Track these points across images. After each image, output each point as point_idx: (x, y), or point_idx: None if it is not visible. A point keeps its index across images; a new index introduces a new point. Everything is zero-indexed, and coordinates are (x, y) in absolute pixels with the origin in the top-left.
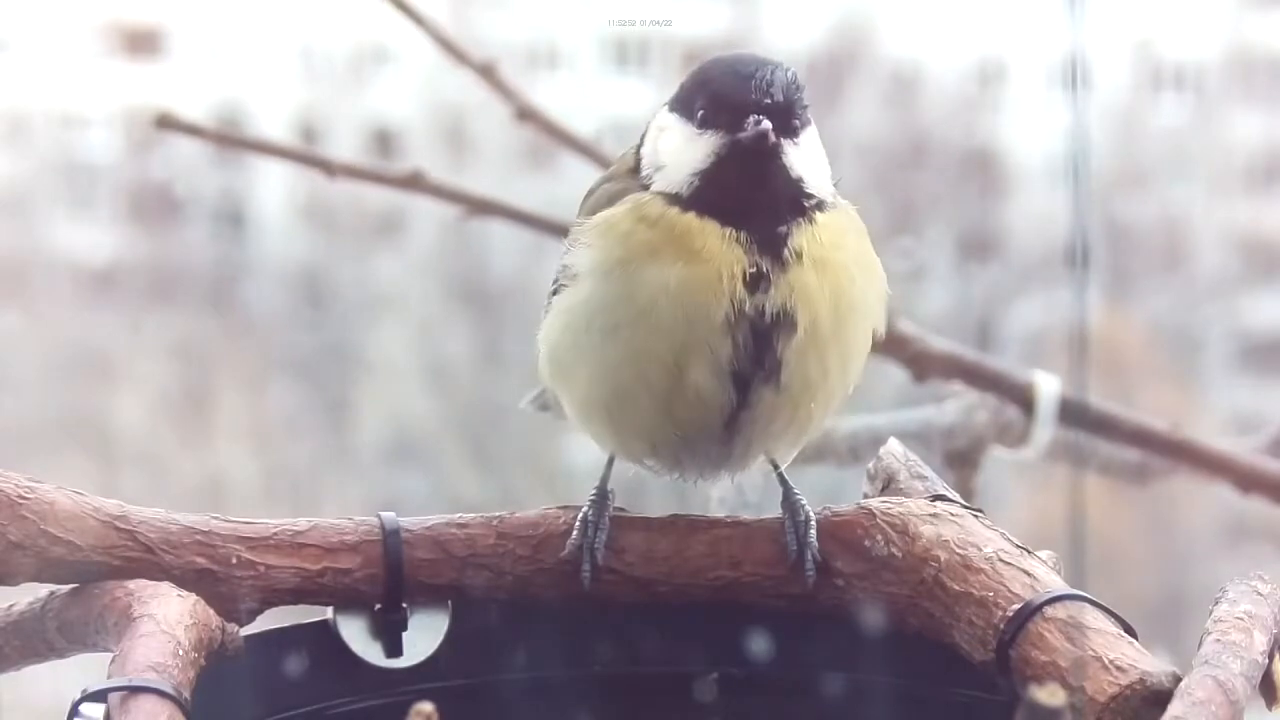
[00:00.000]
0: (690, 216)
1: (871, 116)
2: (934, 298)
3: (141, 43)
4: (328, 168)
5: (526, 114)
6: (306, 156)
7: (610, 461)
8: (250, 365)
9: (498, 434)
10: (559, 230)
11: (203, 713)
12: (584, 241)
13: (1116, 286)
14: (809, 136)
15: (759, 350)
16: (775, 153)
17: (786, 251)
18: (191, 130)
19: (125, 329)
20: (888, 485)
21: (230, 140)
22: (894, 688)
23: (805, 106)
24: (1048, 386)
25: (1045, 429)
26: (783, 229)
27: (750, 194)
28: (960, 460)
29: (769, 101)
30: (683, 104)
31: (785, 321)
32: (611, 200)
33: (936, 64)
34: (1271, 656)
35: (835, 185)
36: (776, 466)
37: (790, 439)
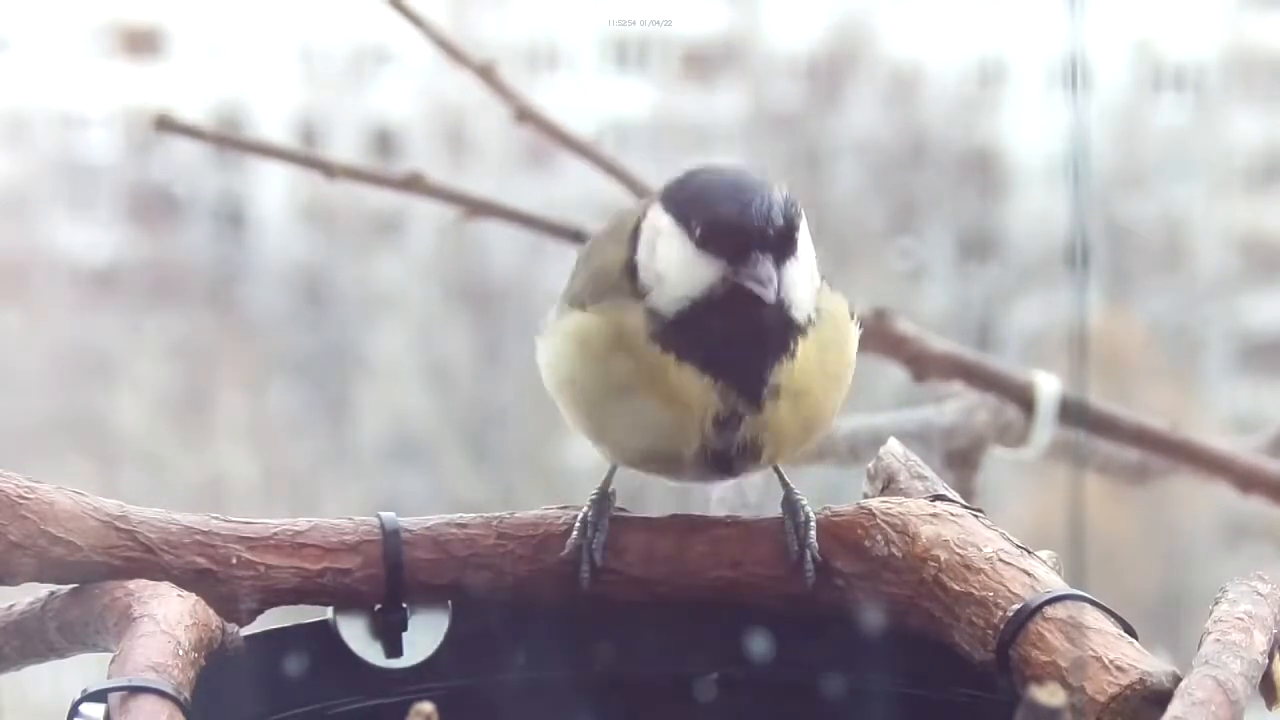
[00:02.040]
0: (670, 359)
1: (871, 116)
2: (934, 298)
3: (141, 43)
4: (328, 169)
5: (526, 114)
6: (306, 157)
7: (614, 465)
8: (250, 365)
9: (498, 434)
10: (559, 231)
11: (203, 713)
12: (554, 341)
13: (1116, 286)
14: (803, 243)
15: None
16: (776, 304)
17: (764, 393)
18: (191, 131)
19: (125, 329)
20: (888, 485)
21: (230, 141)
22: (894, 688)
23: (800, 213)
24: (1048, 386)
25: (1045, 429)
26: (765, 373)
27: (741, 335)
28: (960, 460)
29: (771, 232)
30: (678, 211)
31: (750, 449)
32: (599, 293)
33: (936, 64)
34: (1271, 656)
35: (824, 277)
36: (777, 468)
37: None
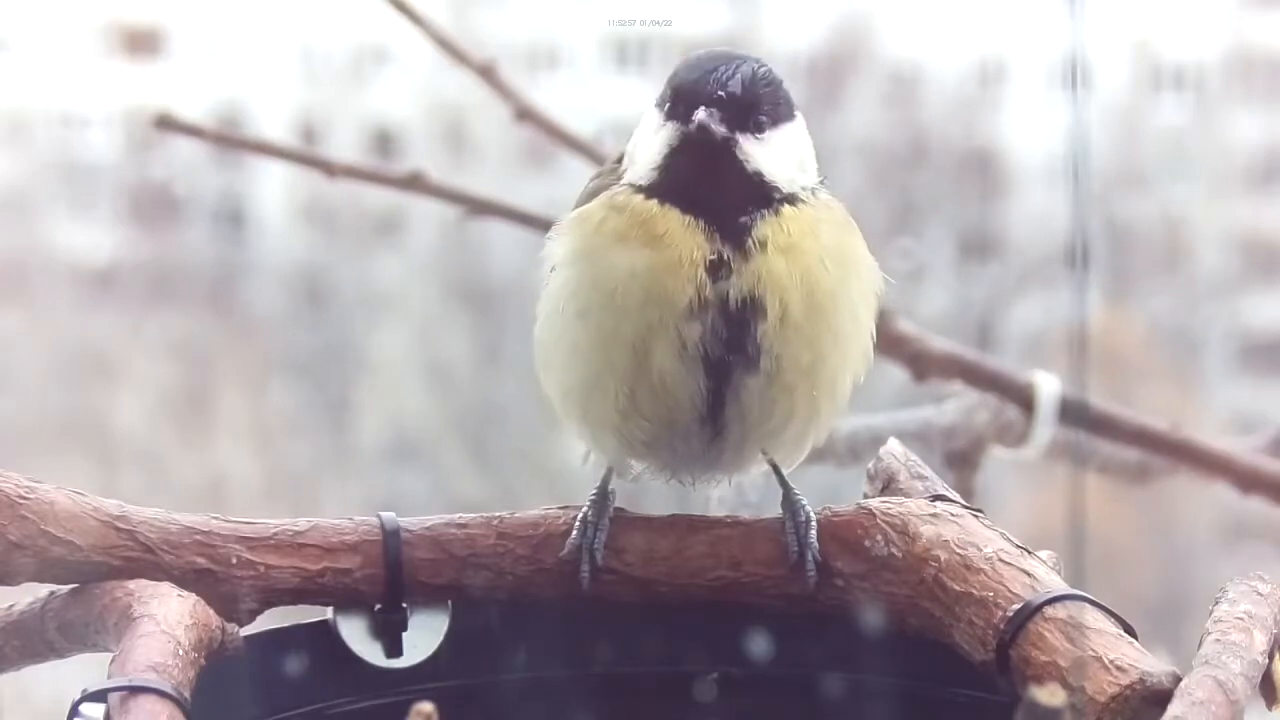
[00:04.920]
0: (653, 204)
1: (871, 116)
2: (934, 298)
3: (141, 43)
4: (328, 168)
5: (526, 114)
6: (306, 156)
7: None
8: (250, 365)
9: (498, 434)
10: None
11: (203, 713)
12: (561, 233)
13: (1116, 286)
14: (784, 132)
15: (735, 336)
16: (725, 146)
17: (749, 240)
18: (191, 130)
19: (125, 329)
20: (888, 485)
21: (230, 140)
22: (894, 688)
23: (779, 102)
24: (1048, 386)
25: (1045, 429)
26: (745, 219)
27: (703, 184)
28: (960, 460)
29: (722, 94)
30: (659, 98)
31: (755, 307)
32: (593, 196)
33: (936, 64)
34: (1271, 656)
35: (823, 181)
36: (776, 468)
37: (794, 434)
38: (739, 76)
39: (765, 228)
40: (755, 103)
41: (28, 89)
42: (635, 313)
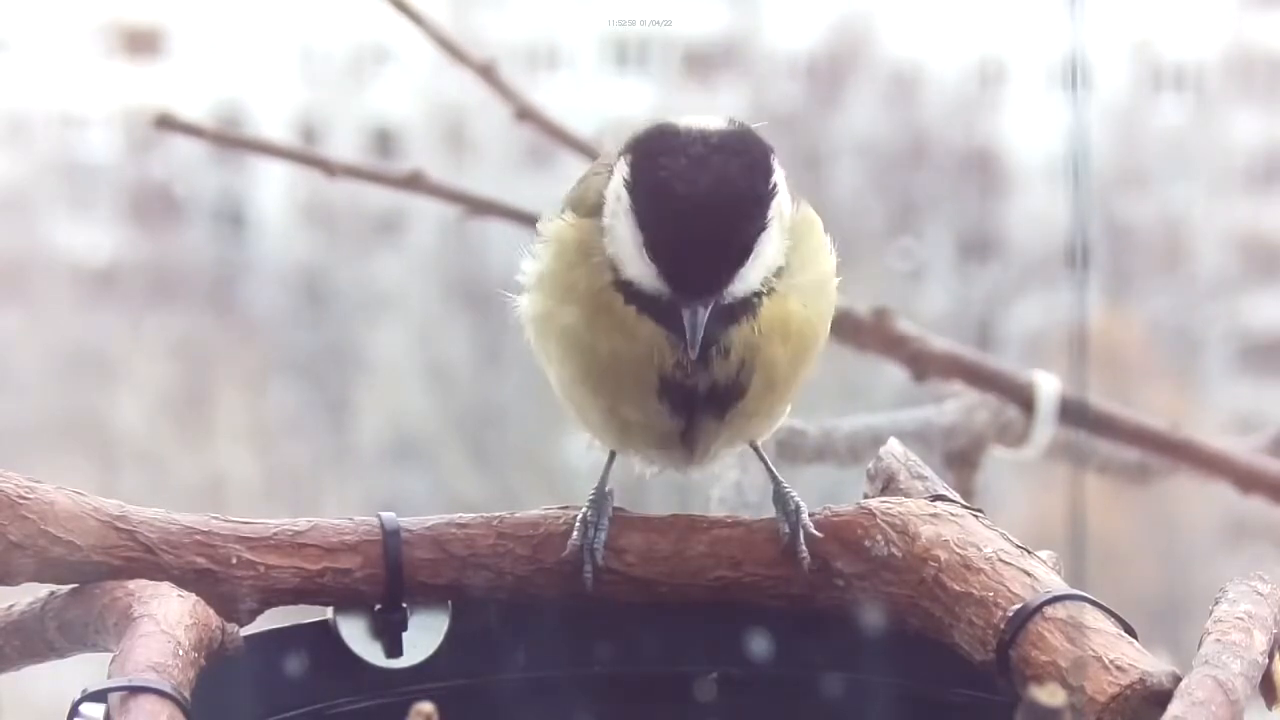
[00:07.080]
0: (619, 298)
1: (871, 116)
2: (934, 298)
3: (141, 43)
4: (328, 168)
5: (526, 114)
6: (306, 156)
7: (610, 461)
8: (250, 365)
9: (498, 434)
10: None
11: (203, 713)
12: (544, 249)
13: (1116, 286)
14: (770, 230)
15: (709, 403)
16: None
17: (713, 350)
18: (191, 130)
19: (125, 329)
20: (888, 485)
21: (230, 140)
22: (894, 688)
23: (766, 197)
24: (1048, 386)
25: (1045, 429)
26: (712, 340)
27: (682, 322)
28: (960, 460)
29: (712, 291)
30: (636, 204)
31: (735, 390)
32: (578, 208)
33: (936, 64)
34: (1271, 656)
35: (795, 209)
36: (768, 465)
37: (753, 433)
38: (729, 254)
39: (734, 335)
40: (745, 257)
41: (28, 89)
42: (603, 388)
